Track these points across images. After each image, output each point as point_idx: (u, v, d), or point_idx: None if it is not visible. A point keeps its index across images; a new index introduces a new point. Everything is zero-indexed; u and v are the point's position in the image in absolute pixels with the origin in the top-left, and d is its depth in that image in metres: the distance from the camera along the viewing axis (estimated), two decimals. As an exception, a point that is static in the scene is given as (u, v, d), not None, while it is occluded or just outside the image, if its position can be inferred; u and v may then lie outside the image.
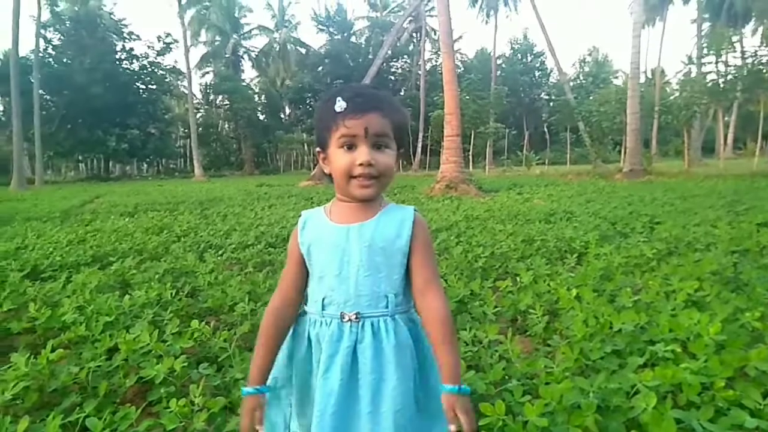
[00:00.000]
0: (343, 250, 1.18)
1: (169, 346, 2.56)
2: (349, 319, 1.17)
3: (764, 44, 22.11)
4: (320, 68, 50.83)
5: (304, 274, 1.27)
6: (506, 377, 2.17)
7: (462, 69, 45.02)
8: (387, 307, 1.18)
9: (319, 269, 1.21)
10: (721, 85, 22.82)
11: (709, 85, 23.22)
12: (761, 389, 1.82)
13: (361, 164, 1.12)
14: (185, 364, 2.28)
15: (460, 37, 51.24)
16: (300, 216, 1.30)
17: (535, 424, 1.68)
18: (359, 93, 1.15)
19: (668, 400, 1.85)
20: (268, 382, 1.26)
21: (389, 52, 30.74)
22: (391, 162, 1.17)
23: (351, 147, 1.14)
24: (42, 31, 34.05)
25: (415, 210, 1.23)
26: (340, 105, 1.12)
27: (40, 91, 31.06)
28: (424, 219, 1.25)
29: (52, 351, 2.34)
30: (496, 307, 3.25)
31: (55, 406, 2.06)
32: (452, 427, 1.10)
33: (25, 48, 38.02)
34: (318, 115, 1.21)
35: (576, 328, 2.59)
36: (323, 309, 1.20)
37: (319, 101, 1.20)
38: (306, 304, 1.27)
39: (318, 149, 1.23)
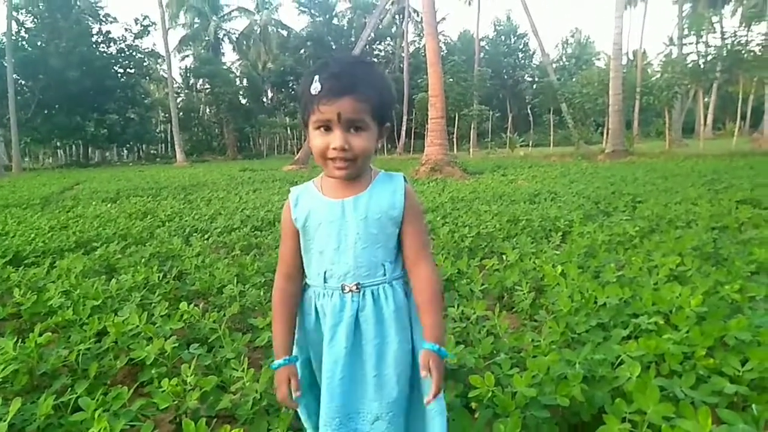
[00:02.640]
0: (339, 224, 1.20)
1: (159, 327, 2.56)
2: (350, 290, 1.21)
3: (743, 25, 22.35)
4: (302, 51, 50.22)
5: (300, 253, 1.29)
6: (494, 351, 2.21)
7: (445, 51, 44.86)
8: (385, 275, 1.22)
9: (319, 245, 1.23)
10: (702, 66, 23.03)
11: (690, 66, 23.42)
12: (740, 357, 1.88)
13: (334, 148, 1.13)
14: (175, 345, 2.29)
15: (444, 18, 50.80)
16: (290, 192, 1.31)
17: (524, 394, 1.71)
18: (335, 74, 1.12)
19: (651, 369, 1.90)
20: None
21: (372, 34, 30.44)
22: (367, 144, 1.15)
23: (327, 129, 1.14)
24: (14, 14, 32.98)
25: (404, 179, 1.26)
26: (315, 87, 1.11)
27: (15, 76, 30.18)
28: (413, 188, 1.27)
29: (40, 335, 2.32)
30: (483, 284, 3.30)
31: (46, 389, 2.05)
32: (423, 373, 1.16)
33: (-3, 31, 36.75)
34: (299, 92, 1.21)
35: (561, 303, 2.65)
36: (325, 282, 1.23)
37: (303, 78, 1.19)
38: (307, 278, 1.29)
39: (302, 124, 1.23)
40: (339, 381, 1.19)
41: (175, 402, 1.89)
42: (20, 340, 2.31)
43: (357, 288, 1.20)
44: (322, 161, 1.18)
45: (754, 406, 1.56)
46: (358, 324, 1.20)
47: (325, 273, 1.23)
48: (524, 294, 3.04)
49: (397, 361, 1.20)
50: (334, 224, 1.21)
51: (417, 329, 1.26)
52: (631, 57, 43.26)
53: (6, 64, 28.39)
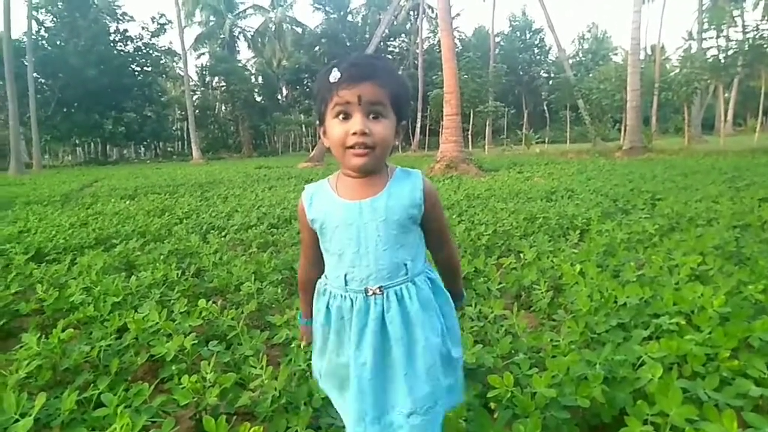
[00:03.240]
0: (358, 227, 1.18)
1: (178, 324, 2.59)
2: (374, 293, 1.19)
3: (765, 18, 21.85)
4: (317, 48, 50.26)
5: (317, 242, 1.29)
6: (513, 351, 2.19)
7: (460, 47, 44.55)
8: (407, 273, 1.21)
9: (338, 248, 1.22)
10: (722, 61, 22.60)
11: (710, 60, 23.00)
12: (765, 359, 1.85)
13: (354, 133, 1.11)
14: (195, 342, 2.31)
15: (458, 14, 50.63)
16: (304, 190, 1.29)
17: (544, 395, 1.70)
18: (355, 63, 1.12)
19: (674, 370, 1.88)
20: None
21: (386, 30, 30.38)
22: (388, 132, 1.14)
23: (346, 117, 1.12)
24: (34, 13, 33.50)
25: (422, 175, 1.24)
26: (334, 75, 1.10)
27: (35, 75, 30.66)
28: (431, 183, 1.25)
29: (63, 331, 2.36)
30: (500, 283, 3.28)
31: (68, 384, 2.09)
32: None
33: (18, 30, 37.34)
34: (315, 87, 1.20)
35: (581, 303, 2.62)
36: (346, 284, 1.22)
37: (318, 75, 1.18)
38: (327, 278, 1.29)
39: (317, 123, 1.22)
40: (368, 382, 1.19)
41: (195, 399, 1.91)
42: (43, 336, 2.35)
43: (380, 290, 1.19)
44: (340, 151, 1.15)
45: (780, 409, 1.53)
46: (384, 325, 1.19)
47: (345, 276, 1.21)
48: (542, 293, 3.02)
49: (426, 357, 1.19)
50: (352, 227, 1.18)
51: (449, 306, 1.31)
52: (650, 52, 42.59)
53: (27, 63, 28.81)
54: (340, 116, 1.12)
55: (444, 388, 1.25)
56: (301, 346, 1.50)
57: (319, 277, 1.33)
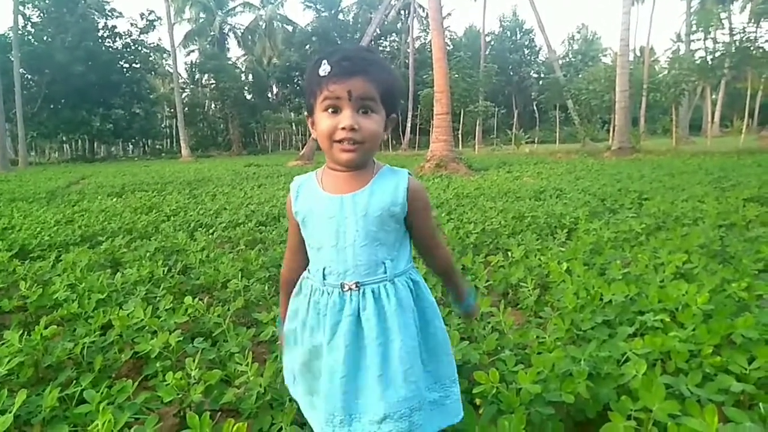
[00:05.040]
0: (338, 221, 1.17)
1: (163, 321, 2.56)
2: (350, 288, 1.18)
3: (752, 21, 22.14)
4: (307, 46, 50.06)
5: (302, 237, 1.29)
6: (499, 347, 2.20)
7: (451, 47, 44.61)
8: (386, 272, 1.19)
9: (317, 241, 1.21)
10: (710, 63, 22.85)
11: (698, 62, 23.24)
12: (747, 355, 1.87)
13: (343, 128, 1.10)
14: (180, 338, 2.29)
15: (449, 14, 50.67)
16: (292, 182, 1.29)
17: (529, 390, 1.71)
18: (346, 56, 1.11)
19: (657, 367, 1.89)
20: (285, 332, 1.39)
21: (377, 29, 30.34)
22: (377, 127, 1.14)
23: (335, 110, 1.11)
24: (21, 8, 33.05)
25: (409, 174, 1.22)
26: (324, 69, 1.10)
27: (21, 70, 30.24)
28: (418, 182, 1.23)
29: (46, 327, 2.33)
30: (487, 281, 3.29)
31: (51, 381, 2.06)
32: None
33: (3, 25, 36.79)
34: (305, 79, 1.18)
35: (567, 300, 2.63)
36: (324, 278, 1.21)
37: (308, 65, 1.17)
38: (309, 270, 1.28)
39: (306, 114, 1.21)
40: (340, 380, 1.15)
41: (180, 395, 1.89)
42: (26, 333, 2.32)
43: (356, 286, 1.17)
44: (327, 144, 1.14)
45: (761, 404, 1.55)
46: (359, 323, 1.17)
47: (324, 270, 1.20)
48: (529, 291, 3.03)
49: (403, 359, 1.15)
50: (332, 221, 1.17)
51: (432, 328, 1.28)
52: (638, 53, 42.95)
53: (12, 59, 28.44)
54: (329, 110, 1.11)
55: (426, 398, 1.21)
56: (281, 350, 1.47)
57: (299, 275, 1.33)
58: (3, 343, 2.25)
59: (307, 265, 1.30)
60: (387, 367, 1.15)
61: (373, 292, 1.17)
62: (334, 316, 1.18)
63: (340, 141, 1.12)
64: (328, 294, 1.20)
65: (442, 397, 1.27)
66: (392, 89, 1.17)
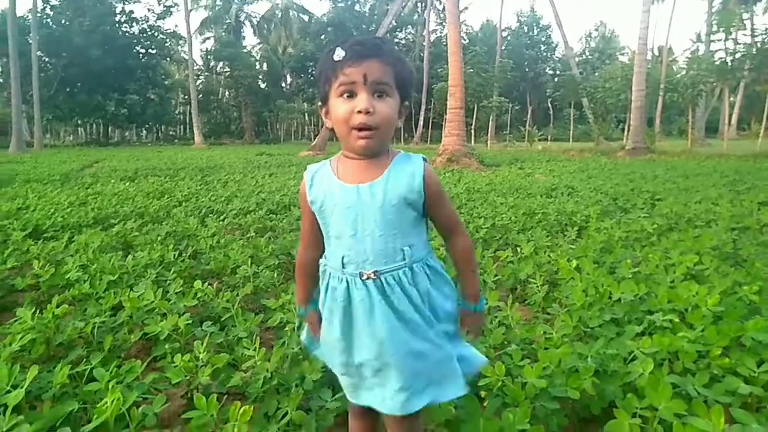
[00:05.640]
0: (355, 211, 1.17)
1: (173, 304, 2.59)
2: (368, 277, 1.18)
3: (775, 23, 21.72)
4: (323, 36, 49.97)
5: (319, 228, 1.28)
6: (506, 342, 2.20)
7: (467, 41, 44.40)
8: (404, 259, 1.20)
9: (335, 230, 1.22)
10: (729, 64, 22.50)
11: (717, 63, 22.89)
12: (756, 358, 1.85)
13: (359, 111, 1.10)
14: (189, 322, 2.31)
15: (466, 8, 50.06)
16: (306, 171, 1.29)
17: (534, 385, 1.71)
18: (359, 42, 1.13)
19: (665, 366, 1.88)
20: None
21: (394, 21, 30.12)
22: (391, 112, 1.14)
23: (351, 95, 1.12)
24: (40, -9, 33.34)
25: (424, 160, 1.22)
26: (338, 54, 1.11)
27: (38, 53, 30.50)
28: (432, 170, 1.24)
29: (57, 306, 2.36)
30: (496, 275, 3.28)
31: (62, 359, 2.09)
32: (463, 330, 1.33)
33: (23, 7, 37.11)
34: (318, 68, 1.19)
35: (575, 297, 2.62)
36: (343, 267, 1.21)
37: (322, 55, 1.18)
38: (327, 258, 1.29)
39: (320, 104, 1.22)
40: (355, 368, 1.24)
41: (187, 377, 1.92)
42: (38, 311, 2.35)
43: (375, 275, 1.18)
44: (345, 130, 1.14)
45: (769, 407, 1.54)
46: (374, 310, 1.19)
47: (343, 258, 1.21)
48: (538, 287, 3.02)
49: (421, 341, 1.19)
50: (350, 210, 1.17)
51: (451, 289, 1.30)
52: (657, 53, 42.44)
53: (31, 41, 28.68)
54: (345, 95, 1.12)
55: (452, 354, 1.25)
56: (303, 336, 1.45)
57: (317, 258, 1.33)
58: (16, 320, 2.29)
59: (323, 251, 1.31)
60: (403, 350, 1.18)
61: (393, 278, 1.19)
62: (354, 304, 1.21)
63: (356, 128, 1.12)
64: (348, 282, 1.21)
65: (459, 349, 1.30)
66: (405, 74, 1.17)
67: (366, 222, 1.17)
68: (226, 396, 1.95)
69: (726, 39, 23.50)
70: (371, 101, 1.11)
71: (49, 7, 37.09)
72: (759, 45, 21.46)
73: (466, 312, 1.32)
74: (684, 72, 26.73)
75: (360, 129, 1.12)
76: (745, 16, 24.66)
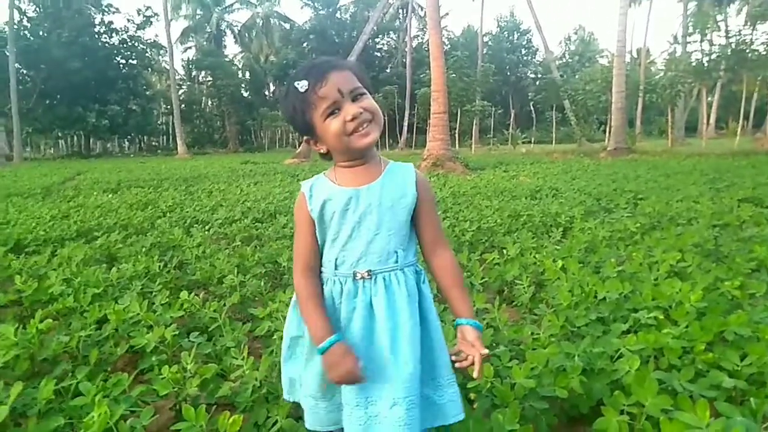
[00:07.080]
0: (353, 212, 1.22)
1: (159, 316, 2.57)
2: (362, 277, 1.22)
3: (748, 24, 22.25)
4: (305, 44, 50.01)
5: (317, 241, 1.28)
6: (494, 343, 2.21)
7: (449, 46, 44.64)
8: (396, 261, 1.23)
9: (332, 232, 1.24)
10: (706, 65, 22.96)
11: (694, 64, 23.35)
12: (739, 352, 1.88)
13: (352, 119, 1.14)
14: (176, 333, 2.29)
15: (447, 13, 50.64)
16: (302, 185, 1.30)
17: (523, 385, 1.72)
18: (312, 65, 1.18)
19: (650, 363, 1.91)
20: (288, 343, 1.36)
21: (375, 28, 30.28)
22: (375, 103, 1.21)
23: (335, 111, 1.16)
24: (17, 2, 32.87)
25: (415, 168, 1.28)
26: (302, 85, 1.15)
27: (16, 65, 30.08)
28: (424, 176, 1.30)
29: (41, 321, 2.33)
30: (483, 278, 3.30)
31: (46, 374, 2.06)
32: (465, 347, 1.23)
33: (-1, 20, 36.60)
34: (288, 108, 1.21)
35: (561, 297, 2.65)
36: (336, 269, 1.24)
37: (280, 99, 1.23)
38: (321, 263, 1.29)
39: (306, 138, 1.25)
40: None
41: (175, 389, 1.90)
42: (21, 327, 2.32)
43: (368, 274, 1.22)
44: (344, 141, 1.17)
45: (752, 399, 1.56)
46: (371, 309, 1.21)
47: (335, 260, 1.24)
48: (524, 288, 3.05)
49: (412, 344, 1.19)
50: (347, 212, 1.22)
51: (432, 313, 1.29)
52: (635, 55, 43.11)
53: (8, 53, 28.28)
54: (331, 114, 1.16)
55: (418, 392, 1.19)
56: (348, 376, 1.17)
57: (319, 284, 1.27)
58: (-2, 337, 2.25)
59: (319, 268, 1.29)
60: (397, 350, 1.18)
61: (384, 279, 1.22)
62: (348, 305, 1.23)
63: (354, 130, 1.16)
64: (341, 283, 1.24)
65: (437, 395, 1.26)
66: (363, 73, 1.23)
67: (363, 221, 1.22)
68: (215, 406, 1.93)
69: (702, 41, 24.02)
70: (356, 105, 1.16)
71: (26, 18, 36.61)
72: (733, 46, 21.92)
73: (468, 328, 1.23)
74: (662, 73, 27.24)
75: (358, 127, 1.16)
76: (719, 18, 25.17)
